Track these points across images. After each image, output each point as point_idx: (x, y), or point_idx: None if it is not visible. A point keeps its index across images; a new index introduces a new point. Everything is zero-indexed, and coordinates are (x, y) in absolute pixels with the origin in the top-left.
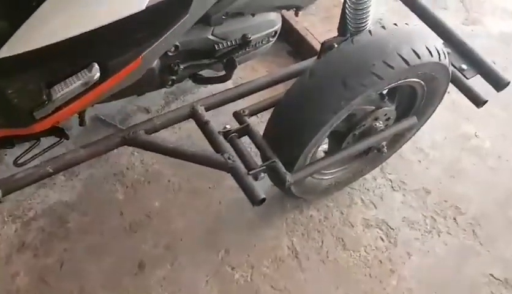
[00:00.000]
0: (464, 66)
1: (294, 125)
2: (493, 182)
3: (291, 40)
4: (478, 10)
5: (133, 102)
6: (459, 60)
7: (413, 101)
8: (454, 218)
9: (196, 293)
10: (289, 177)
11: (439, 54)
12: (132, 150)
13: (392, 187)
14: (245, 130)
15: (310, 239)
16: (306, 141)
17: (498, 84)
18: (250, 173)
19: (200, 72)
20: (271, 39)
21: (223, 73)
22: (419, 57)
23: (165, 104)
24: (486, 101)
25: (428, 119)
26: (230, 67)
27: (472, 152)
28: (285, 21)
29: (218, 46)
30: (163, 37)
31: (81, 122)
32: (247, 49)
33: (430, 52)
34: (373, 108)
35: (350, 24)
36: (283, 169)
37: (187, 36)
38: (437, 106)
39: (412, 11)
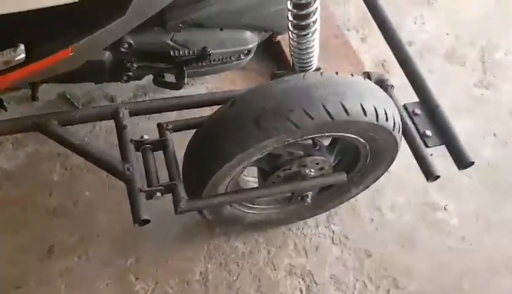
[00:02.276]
0: (429, 132)
1: (204, 153)
2: (447, 263)
3: (278, 62)
4: (498, 74)
5: (102, 88)
6: (426, 124)
7: (357, 158)
8: (388, 291)
9: (92, 293)
10: (183, 204)
11: (377, 115)
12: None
13: (332, 239)
14: (161, 145)
15: (226, 270)
16: (211, 172)
17: (461, 161)
18: (143, 190)
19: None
20: (242, 57)
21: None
22: (347, 113)
23: (132, 97)
24: (438, 177)
25: (377, 179)
26: (179, 77)
27: (434, 225)
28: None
29: (174, 53)
30: (96, 33)
31: (33, 97)
32: (212, 63)
33: (364, 110)
34: (302, 153)
35: (294, 60)
36: (180, 194)
37: (144, 36)
38: (386, 168)
39: (396, 58)
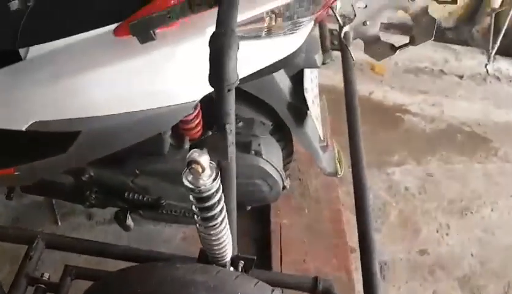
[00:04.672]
0: None
1: None
2: None
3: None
4: None
5: None
6: None
7: None
8: None
9: None
10: None
11: None
12: None
13: None
14: (55, 289)
15: None
16: None
17: None
18: None
19: None
20: None
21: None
22: None
23: (109, 219)
24: None
25: None
26: (123, 218)
27: None
28: None
29: (129, 195)
30: (37, 162)
31: (7, 196)
32: (173, 213)
33: None
34: None
35: (206, 251)
36: None
37: (105, 171)
38: None
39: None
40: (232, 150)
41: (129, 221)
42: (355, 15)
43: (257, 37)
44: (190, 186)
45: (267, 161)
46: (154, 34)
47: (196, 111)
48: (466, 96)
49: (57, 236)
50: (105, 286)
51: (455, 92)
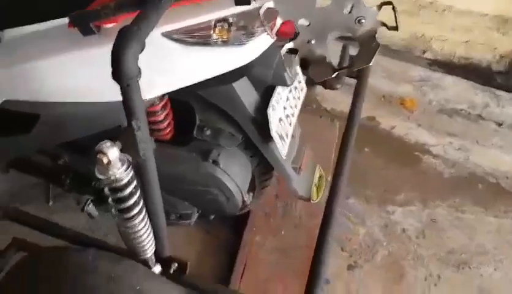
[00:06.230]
0: None
1: None
2: None
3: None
4: None
5: None
6: None
7: None
8: None
9: None
10: None
11: None
12: None
13: None
14: None
15: None
16: None
17: None
18: None
19: None
20: (172, 217)
21: None
22: None
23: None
24: None
25: None
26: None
27: None
28: None
29: (95, 184)
30: (6, 138)
31: (4, 170)
32: None
33: None
34: None
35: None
36: None
37: (79, 158)
38: None
39: None
40: (145, 146)
41: (90, 208)
42: (298, 33)
43: (207, 44)
44: (99, 176)
45: (224, 171)
46: (97, 28)
47: (165, 112)
48: (501, 145)
49: (16, 210)
50: (30, 262)
51: (489, 139)
